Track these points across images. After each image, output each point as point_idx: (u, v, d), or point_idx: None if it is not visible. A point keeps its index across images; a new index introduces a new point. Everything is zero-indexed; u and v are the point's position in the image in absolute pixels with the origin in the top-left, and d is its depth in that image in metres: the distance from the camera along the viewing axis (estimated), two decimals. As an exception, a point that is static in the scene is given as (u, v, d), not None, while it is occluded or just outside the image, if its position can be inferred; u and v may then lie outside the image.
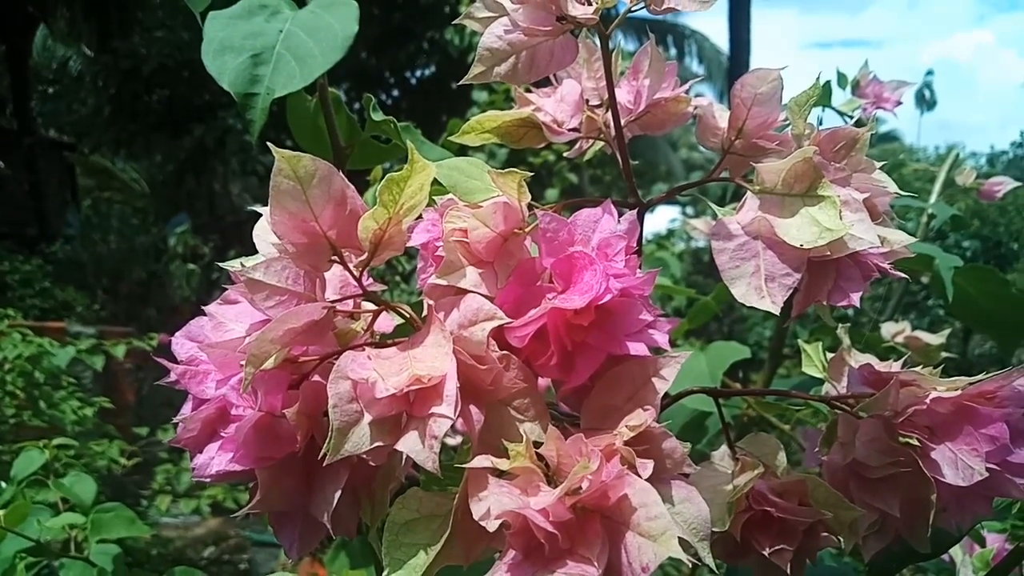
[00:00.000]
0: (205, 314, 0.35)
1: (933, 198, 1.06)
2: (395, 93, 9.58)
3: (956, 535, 0.44)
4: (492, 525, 0.27)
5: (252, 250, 0.38)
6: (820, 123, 0.83)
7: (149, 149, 8.21)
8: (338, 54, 0.43)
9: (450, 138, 0.45)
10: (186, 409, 0.34)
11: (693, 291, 1.04)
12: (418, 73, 9.63)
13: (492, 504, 0.27)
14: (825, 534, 0.38)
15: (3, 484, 0.94)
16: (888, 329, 0.97)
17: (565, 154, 0.48)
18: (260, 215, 0.37)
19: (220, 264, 0.38)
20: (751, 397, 0.65)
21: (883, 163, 0.39)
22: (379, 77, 9.10)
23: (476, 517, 0.27)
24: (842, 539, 0.38)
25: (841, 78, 0.95)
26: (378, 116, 0.52)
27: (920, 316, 3.77)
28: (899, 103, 0.93)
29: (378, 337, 0.37)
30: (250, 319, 0.33)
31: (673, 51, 10.07)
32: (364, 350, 0.31)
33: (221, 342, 0.32)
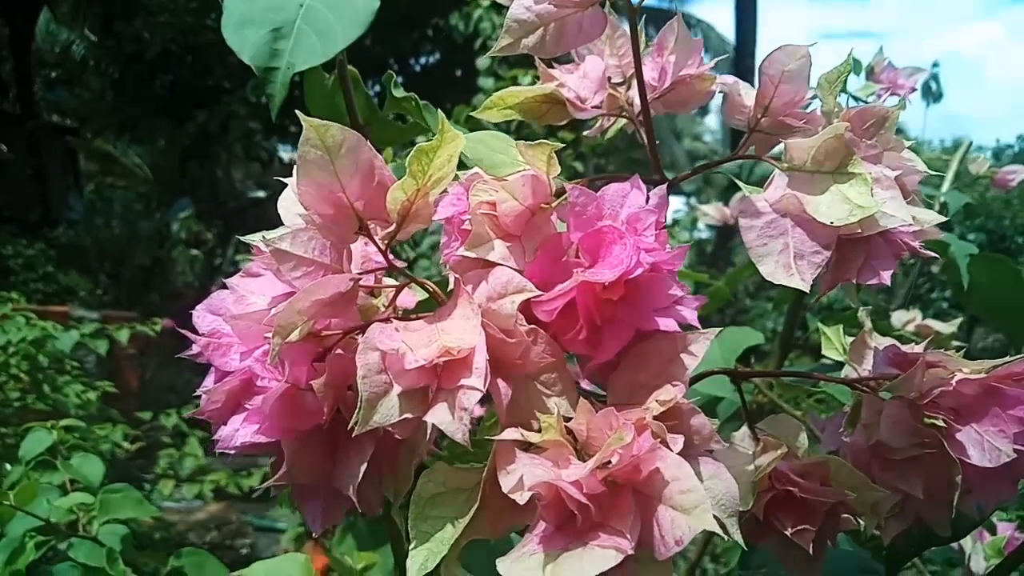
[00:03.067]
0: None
1: (945, 188, 1.05)
2: (399, 80, 9.53)
3: (976, 519, 0.44)
4: (523, 497, 0.27)
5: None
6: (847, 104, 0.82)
7: (152, 134, 8.17)
8: (359, 29, 0.43)
9: (471, 114, 0.44)
10: (208, 382, 0.34)
11: (706, 276, 1.04)
12: (422, 60, 9.58)
13: (525, 475, 0.26)
14: (845, 515, 0.38)
15: (8, 466, 0.94)
16: (899, 318, 0.97)
17: (585, 132, 0.48)
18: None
19: (240, 238, 0.38)
20: (764, 382, 0.65)
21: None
22: (382, 64, 9.06)
23: (506, 489, 0.27)
24: (863, 521, 0.38)
25: (856, 64, 0.94)
26: (399, 93, 0.51)
27: (924, 308, 3.76)
28: (914, 89, 0.92)
29: (400, 312, 0.36)
30: (272, 292, 0.33)
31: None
32: (391, 322, 0.31)
33: (245, 314, 0.32)
